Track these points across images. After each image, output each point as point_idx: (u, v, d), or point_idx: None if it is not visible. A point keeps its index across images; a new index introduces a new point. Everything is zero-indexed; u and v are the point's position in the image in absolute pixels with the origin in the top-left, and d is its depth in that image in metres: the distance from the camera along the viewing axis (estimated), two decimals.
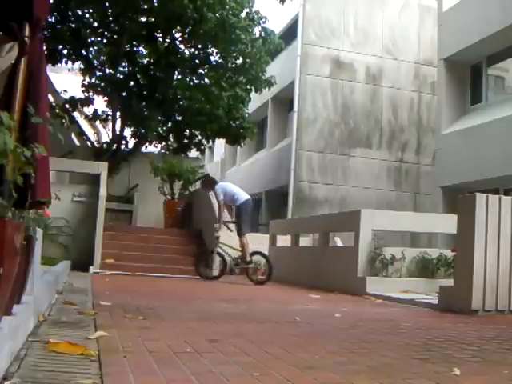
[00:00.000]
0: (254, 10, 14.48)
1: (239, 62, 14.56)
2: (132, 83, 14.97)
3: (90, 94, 15.02)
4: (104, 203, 10.31)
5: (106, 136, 17.05)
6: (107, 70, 14.97)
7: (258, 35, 14.54)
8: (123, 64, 14.90)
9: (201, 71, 15.14)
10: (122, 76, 14.81)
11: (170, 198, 13.44)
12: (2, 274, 1.82)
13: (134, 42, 14.86)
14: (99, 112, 15.41)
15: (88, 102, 15.00)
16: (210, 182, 10.10)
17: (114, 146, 15.21)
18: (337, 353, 2.91)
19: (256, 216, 20.63)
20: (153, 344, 2.87)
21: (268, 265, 9.20)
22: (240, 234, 9.32)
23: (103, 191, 10.36)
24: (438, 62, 13.90)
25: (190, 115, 14.32)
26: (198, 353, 2.71)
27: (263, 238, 12.13)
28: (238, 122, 14.70)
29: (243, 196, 9.52)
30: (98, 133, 18.55)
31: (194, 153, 16.94)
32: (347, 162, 16.36)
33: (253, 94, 14.98)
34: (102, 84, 14.85)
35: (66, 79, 17.05)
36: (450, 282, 5.95)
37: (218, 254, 9.57)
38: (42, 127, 2.76)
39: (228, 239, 11.14)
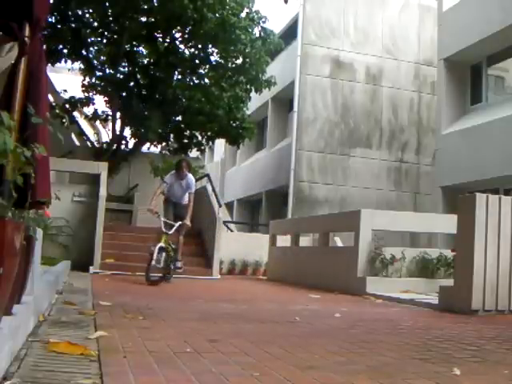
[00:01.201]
0: (253, 10, 14.49)
1: (239, 61, 14.56)
2: (132, 83, 14.97)
3: (90, 94, 15.03)
4: (104, 203, 10.31)
5: (106, 136, 17.06)
6: (107, 70, 14.98)
7: (257, 35, 14.54)
8: (123, 64, 14.91)
9: (201, 71, 15.14)
10: (122, 76, 14.82)
11: None
12: (1, 274, 1.82)
13: (134, 42, 14.86)
14: (99, 112, 15.42)
15: (88, 102, 15.01)
16: (190, 167, 8.52)
17: (114, 146, 15.22)
18: (337, 353, 2.91)
19: (256, 216, 20.66)
20: (153, 344, 2.88)
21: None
22: (182, 233, 8.17)
23: (103, 191, 10.36)
24: (438, 61, 13.90)
25: (190, 115, 14.33)
26: (198, 353, 2.71)
27: (263, 237, 12.14)
28: (238, 123, 14.70)
29: None
30: (98, 133, 18.56)
31: (194, 153, 16.94)
32: (347, 162, 16.36)
33: (253, 94, 14.98)
34: (102, 84, 14.86)
35: (66, 79, 17.05)
36: (450, 282, 5.95)
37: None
38: (42, 127, 2.76)
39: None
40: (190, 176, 8.33)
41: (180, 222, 7.86)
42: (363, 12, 16.95)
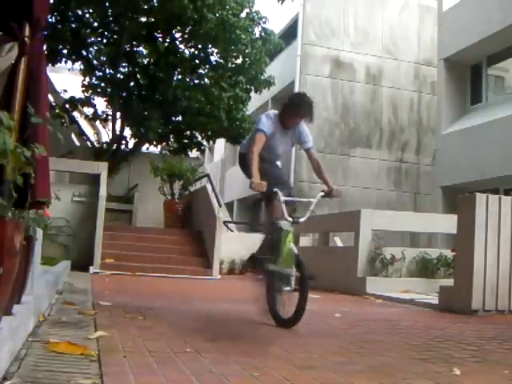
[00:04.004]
0: (254, 10, 14.49)
1: (239, 61, 14.56)
2: (132, 83, 14.97)
3: (90, 93, 15.02)
4: (104, 203, 10.30)
5: (106, 136, 17.06)
6: (107, 70, 14.98)
7: (258, 35, 14.54)
8: (123, 64, 14.90)
9: (201, 71, 15.14)
10: (122, 76, 14.81)
11: (169, 197, 13.44)
12: (2, 274, 1.82)
13: (134, 42, 14.86)
14: (99, 112, 15.42)
15: (88, 102, 15.01)
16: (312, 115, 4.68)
17: (114, 146, 15.21)
18: (337, 353, 2.91)
19: (256, 216, 20.65)
20: (153, 344, 2.87)
21: None
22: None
23: (103, 191, 10.35)
24: (438, 62, 13.90)
25: (190, 115, 14.32)
26: (198, 353, 2.71)
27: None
28: (238, 123, 14.70)
29: None
30: (98, 133, 18.57)
31: (194, 153, 16.94)
32: (347, 162, 16.36)
33: (253, 94, 14.98)
34: (102, 84, 14.86)
35: (66, 79, 17.06)
36: (450, 281, 5.95)
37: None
38: (42, 127, 2.76)
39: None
40: (302, 124, 4.61)
41: (322, 193, 4.49)
42: (363, 12, 16.96)
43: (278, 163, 4.76)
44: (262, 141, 4.23)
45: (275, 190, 4.10)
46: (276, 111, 4.48)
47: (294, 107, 4.37)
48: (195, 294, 6.88)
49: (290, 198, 4.20)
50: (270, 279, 4.11)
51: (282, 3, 13.76)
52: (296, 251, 3.97)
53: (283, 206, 4.05)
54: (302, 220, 4.13)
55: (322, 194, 4.44)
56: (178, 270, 9.88)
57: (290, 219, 4.05)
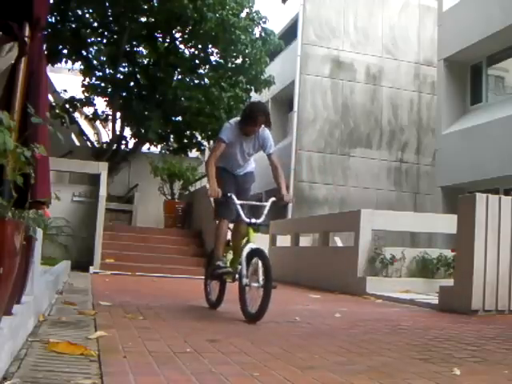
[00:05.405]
0: (254, 10, 14.49)
1: (239, 61, 14.57)
2: (132, 83, 14.97)
3: (90, 93, 15.02)
4: (104, 203, 10.31)
5: (106, 136, 17.07)
6: (107, 70, 14.98)
7: (258, 35, 14.54)
8: (123, 64, 14.91)
9: (201, 71, 15.14)
10: (122, 76, 14.81)
11: (169, 197, 13.44)
12: (1, 274, 1.82)
13: (134, 42, 14.86)
14: (99, 112, 15.42)
15: (88, 102, 15.01)
16: (269, 122, 4.86)
17: (114, 146, 15.22)
18: (337, 353, 2.91)
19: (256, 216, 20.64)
20: (153, 344, 2.88)
21: None
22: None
23: (103, 191, 10.36)
24: (437, 62, 13.91)
25: (190, 115, 14.32)
26: (198, 353, 2.71)
27: (263, 238, 12.13)
28: None
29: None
30: (97, 133, 18.57)
31: (194, 153, 16.93)
32: (347, 162, 16.35)
33: (253, 94, 14.98)
34: (102, 84, 14.86)
35: (66, 79, 17.06)
36: (450, 281, 5.95)
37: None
38: (41, 127, 2.76)
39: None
40: (264, 129, 4.83)
41: (273, 199, 4.72)
42: (363, 12, 16.95)
43: (242, 170, 5.12)
44: (220, 148, 4.69)
45: (229, 194, 4.53)
46: (238, 119, 4.80)
47: (249, 116, 4.62)
48: (195, 293, 6.87)
49: (245, 202, 4.64)
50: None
51: (284, 2, 13.77)
52: (254, 246, 4.39)
53: (239, 207, 4.51)
54: (258, 221, 4.55)
55: (274, 199, 4.74)
56: (178, 270, 9.89)
57: (248, 220, 4.49)
